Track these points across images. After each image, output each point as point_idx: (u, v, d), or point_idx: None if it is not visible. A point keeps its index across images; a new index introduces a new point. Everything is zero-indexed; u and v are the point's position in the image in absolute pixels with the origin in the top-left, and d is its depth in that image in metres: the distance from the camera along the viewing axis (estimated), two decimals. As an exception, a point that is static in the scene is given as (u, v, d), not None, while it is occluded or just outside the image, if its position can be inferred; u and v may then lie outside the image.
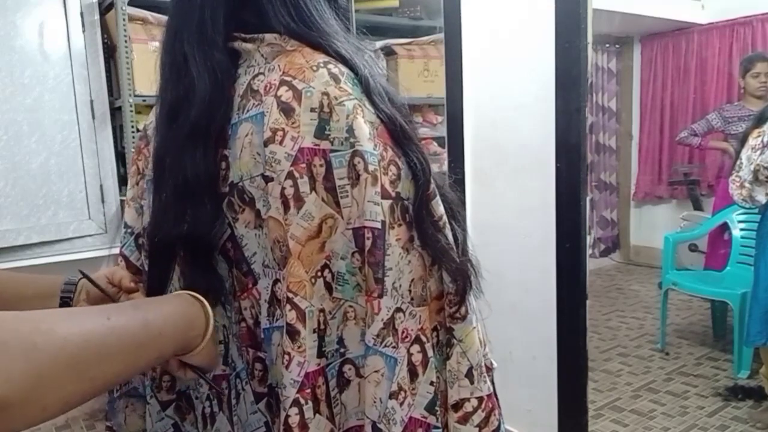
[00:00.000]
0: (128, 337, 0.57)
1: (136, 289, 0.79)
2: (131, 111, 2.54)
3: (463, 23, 2.32)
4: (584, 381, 2.05)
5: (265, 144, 0.67)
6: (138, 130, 2.56)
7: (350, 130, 0.66)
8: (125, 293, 0.79)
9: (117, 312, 0.58)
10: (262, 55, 0.72)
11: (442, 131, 2.64)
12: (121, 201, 2.79)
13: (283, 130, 0.66)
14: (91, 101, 2.70)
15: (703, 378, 3.06)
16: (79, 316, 0.57)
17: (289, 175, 0.66)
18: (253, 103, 0.70)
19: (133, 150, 2.57)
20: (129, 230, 0.86)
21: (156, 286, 0.78)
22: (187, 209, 0.71)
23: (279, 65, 0.70)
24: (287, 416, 0.67)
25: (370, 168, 0.65)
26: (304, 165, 0.66)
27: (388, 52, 3.16)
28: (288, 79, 0.68)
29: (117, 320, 0.56)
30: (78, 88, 2.66)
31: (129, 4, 2.50)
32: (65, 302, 0.80)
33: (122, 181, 2.83)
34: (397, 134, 0.69)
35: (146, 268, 0.84)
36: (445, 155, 2.49)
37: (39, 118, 2.58)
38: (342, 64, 0.70)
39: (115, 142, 2.80)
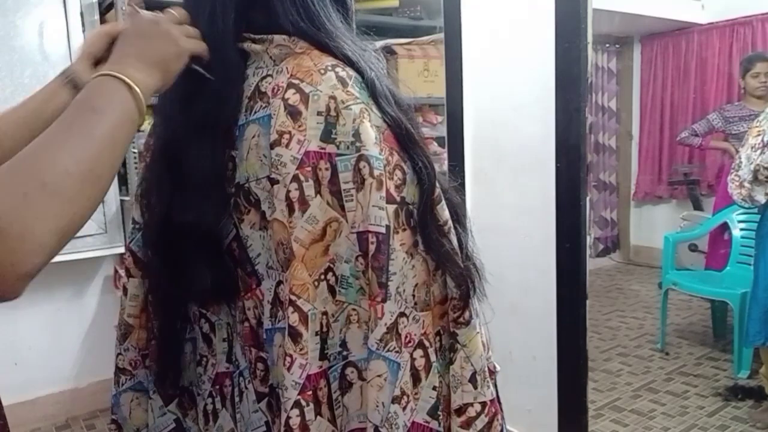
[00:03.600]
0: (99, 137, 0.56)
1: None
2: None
3: (463, 23, 2.32)
4: (584, 381, 2.05)
5: (272, 146, 0.67)
6: (138, 130, 2.55)
7: (356, 135, 0.66)
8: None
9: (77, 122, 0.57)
10: (271, 57, 0.72)
11: (442, 131, 2.63)
12: (121, 201, 2.79)
13: (289, 133, 0.67)
14: (91, 101, 2.69)
15: (703, 378, 3.06)
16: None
17: (295, 178, 0.66)
18: (261, 105, 0.70)
19: (134, 150, 2.57)
20: (137, 226, 0.86)
21: (163, 280, 0.78)
22: (193, 201, 0.71)
23: (287, 68, 0.70)
24: (288, 417, 0.67)
25: (376, 172, 0.65)
26: (309, 168, 0.66)
27: (388, 52, 3.15)
28: (296, 82, 0.68)
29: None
30: (78, 88, 2.66)
31: (129, 4, 2.50)
32: (74, 85, 0.79)
33: (122, 181, 2.83)
34: (403, 138, 0.69)
35: (153, 264, 0.84)
36: (445, 155, 2.49)
37: (39, 118, 2.58)
38: (349, 67, 0.70)
39: (115, 142, 2.79)
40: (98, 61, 0.77)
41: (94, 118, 0.57)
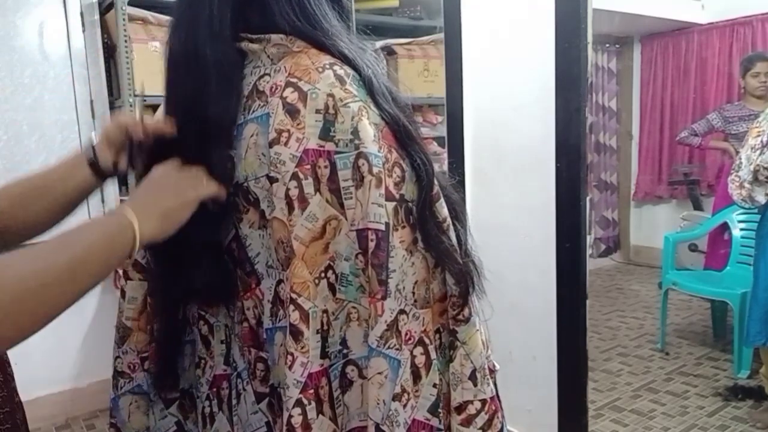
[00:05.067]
0: (56, 271, 0.59)
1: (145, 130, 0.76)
2: (131, 111, 2.53)
3: (463, 23, 2.32)
4: (584, 381, 2.05)
5: (270, 145, 0.67)
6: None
7: (355, 132, 0.66)
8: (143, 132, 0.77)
9: (39, 251, 0.60)
10: (269, 56, 0.72)
11: (442, 131, 2.63)
12: (121, 201, 2.79)
13: (288, 131, 0.67)
14: (91, 101, 2.70)
15: (703, 378, 3.06)
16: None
17: (294, 176, 0.66)
18: (259, 104, 0.70)
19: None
20: None
21: (163, 282, 0.78)
22: (205, 203, 0.71)
23: (285, 66, 0.70)
24: (290, 416, 0.67)
25: (375, 170, 0.65)
26: (308, 166, 0.66)
27: (388, 52, 3.16)
28: (294, 80, 0.68)
29: (41, 261, 0.59)
30: (78, 88, 2.66)
31: (129, 4, 2.50)
32: (94, 164, 0.80)
33: (122, 181, 2.83)
34: (401, 136, 0.69)
35: (152, 266, 0.84)
36: (445, 155, 2.49)
37: (39, 118, 2.58)
38: (347, 65, 0.70)
39: (115, 142, 2.79)
40: (114, 147, 0.80)
41: (78, 252, 0.61)
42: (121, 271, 0.88)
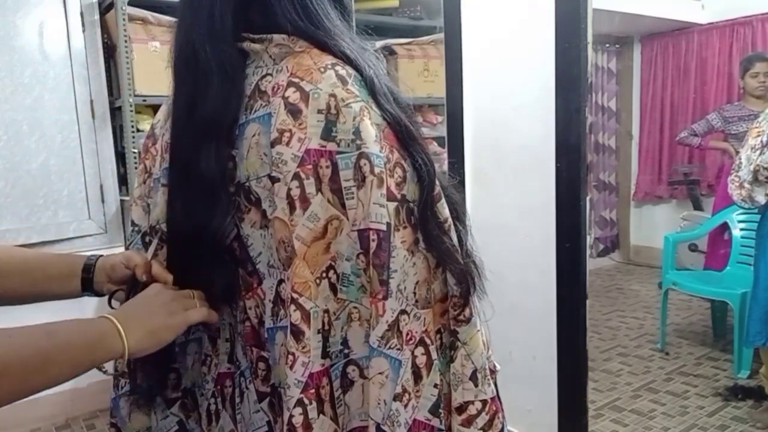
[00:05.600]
0: (31, 349, 0.61)
1: (149, 275, 0.78)
2: (131, 111, 2.54)
3: (463, 23, 2.32)
4: (584, 381, 2.05)
5: (272, 145, 0.67)
6: (138, 130, 2.56)
7: (357, 132, 0.66)
8: (146, 274, 0.78)
9: (21, 329, 0.62)
10: (270, 56, 0.72)
11: (442, 131, 2.64)
12: (121, 201, 2.79)
13: (290, 131, 0.67)
14: (91, 101, 2.70)
15: (703, 378, 3.06)
16: None
17: (296, 176, 0.66)
18: (261, 104, 0.70)
19: (134, 150, 2.57)
20: (136, 228, 0.86)
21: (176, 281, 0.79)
22: (201, 204, 0.71)
23: (287, 66, 0.70)
24: (291, 416, 0.67)
25: (376, 170, 0.65)
26: (310, 166, 0.66)
27: (389, 52, 3.16)
28: (296, 80, 0.68)
29: (20, 337, 0.61)
30: (78, 88, 2.66)
31: (129, 4, 2.50)
32: (86, 281, 0.82)
33: (122, 181, 2.83)
34: (402, 136, 0.69)
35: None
36: (445, 155, 2.49)
37: (39, 118, 2.59)
38: (348, 65, 0.70)
39: (115, 142, 2.80)
40: (115, 281, 0.82)
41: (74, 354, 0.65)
42: None
